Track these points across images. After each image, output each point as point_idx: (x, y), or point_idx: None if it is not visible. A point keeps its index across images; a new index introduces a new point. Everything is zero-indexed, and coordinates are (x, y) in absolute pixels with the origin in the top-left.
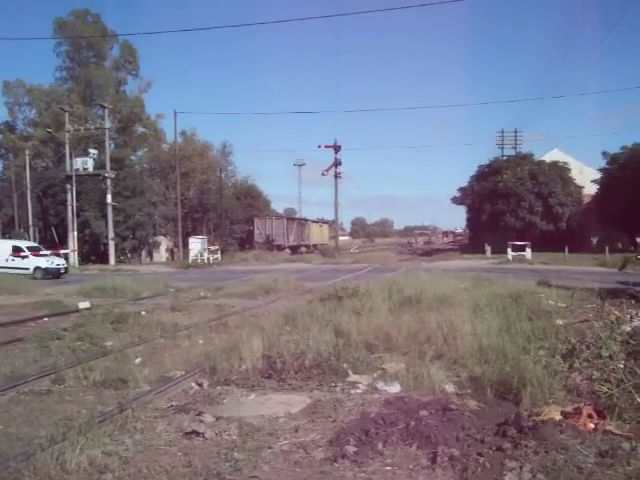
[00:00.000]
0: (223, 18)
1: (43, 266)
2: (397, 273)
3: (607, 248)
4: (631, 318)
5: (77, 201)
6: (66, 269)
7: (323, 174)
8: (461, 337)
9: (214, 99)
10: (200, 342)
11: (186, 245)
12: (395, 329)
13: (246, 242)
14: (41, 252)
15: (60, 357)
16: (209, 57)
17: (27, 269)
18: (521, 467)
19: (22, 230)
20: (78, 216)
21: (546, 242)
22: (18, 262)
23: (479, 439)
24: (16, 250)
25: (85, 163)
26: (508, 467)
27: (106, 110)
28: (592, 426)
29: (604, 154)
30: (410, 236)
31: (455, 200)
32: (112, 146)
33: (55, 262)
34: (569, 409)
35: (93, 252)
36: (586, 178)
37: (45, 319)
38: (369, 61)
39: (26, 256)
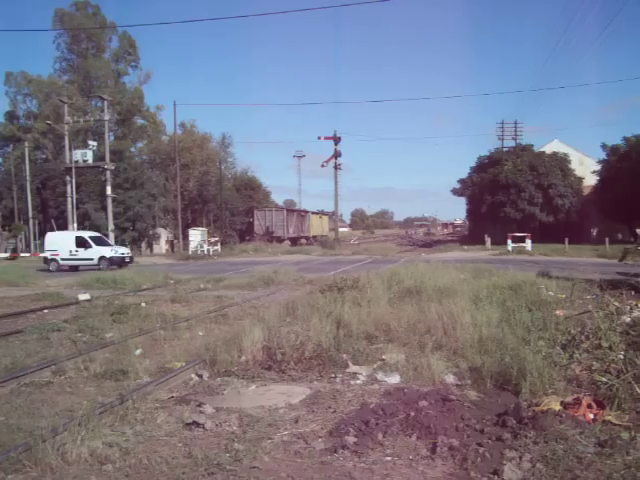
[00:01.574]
0: (222, 9)
1: (108, 256)
2: (397, 264)
3: (607, 239)
4: (631, 309)
5: (77, 193)
6: (131, 258)
7: (323, 165)
8: (461, 328)
9: (214, 90)
10: (200, 333)
11: (186, 237)
12: (395, 320)
13: (246, 234)
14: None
15: (60, 349)
16: (209, 48)
17: (91, 259)
18: (520, 457)
19: (22, 222)
20: (78, 208)
21: (546, 233)
22: (82, 253)
23: (479, 429)
24: (79, 241)
25: (85, 155)
26: (508, 457)
27: (105, 102)
28: (591, 416)
29: (603, 146)
30: (410, 227)
31: (455, 191)
32: (112, 138)
33: (119, 251)
34: (569, 399)
35: None
36: (587, 169)
37: (45, 311)
38: (369, 52)
39: (90, 246)
